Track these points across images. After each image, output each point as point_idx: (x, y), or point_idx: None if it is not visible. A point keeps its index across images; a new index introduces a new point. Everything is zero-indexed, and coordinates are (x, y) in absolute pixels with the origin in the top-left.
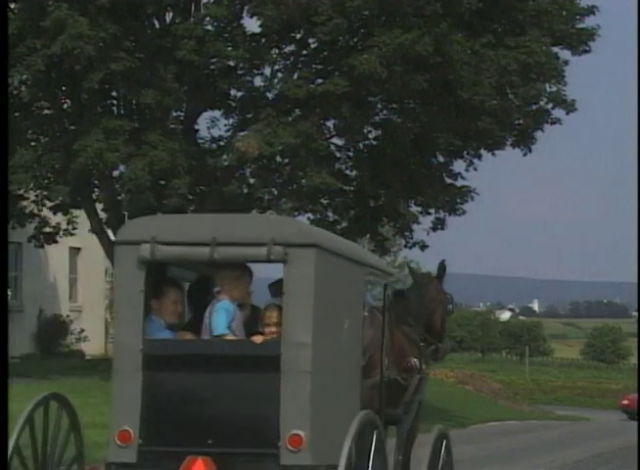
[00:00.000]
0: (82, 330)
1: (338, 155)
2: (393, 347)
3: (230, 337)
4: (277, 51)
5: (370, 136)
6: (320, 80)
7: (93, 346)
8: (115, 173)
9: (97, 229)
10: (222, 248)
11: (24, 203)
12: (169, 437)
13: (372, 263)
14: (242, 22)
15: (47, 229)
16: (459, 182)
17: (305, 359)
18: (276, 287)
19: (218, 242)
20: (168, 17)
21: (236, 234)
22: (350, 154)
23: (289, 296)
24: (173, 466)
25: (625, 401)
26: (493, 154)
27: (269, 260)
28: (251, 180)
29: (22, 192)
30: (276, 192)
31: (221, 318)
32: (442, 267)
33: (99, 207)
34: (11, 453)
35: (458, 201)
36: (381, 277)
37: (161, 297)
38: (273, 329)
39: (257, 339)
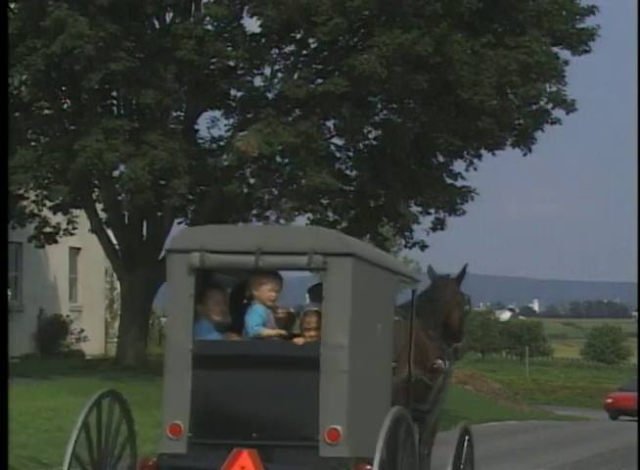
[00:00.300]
0: (82, 330)
1: (338, 155)
2: (418, 348)
3: (266, 331)
4: (277, 51)
5: (370, 136)
6: (320, 80)
7: (93, 346)
8: (116, 173)
9: (97, 229)
10: (266, 256)
11: (24, 203)
12: (217, 430)
13: (401, 271)
14: (242, 21)
15: (47, 229)
16: (459, 182)
17: (343, 360)
18: (315, 291)
19: (263, 251)
20: (168, 17)
21: (279, 244)
22: (350, 154)
23: (327, 301)
24: (220, 457)
25: (609, 400)
26: (493, 154)
27: (309, 268)
28: (252, 180)
29: (22, 192)
30: (276, 192)
31: (256, 321)
32: (464, 270)
33: (99, 207)
34: (69, 459)
35: (458, 201)
36: (409, 284)
37: (208, 300)
38: (312, 333)
39: (299, 341)
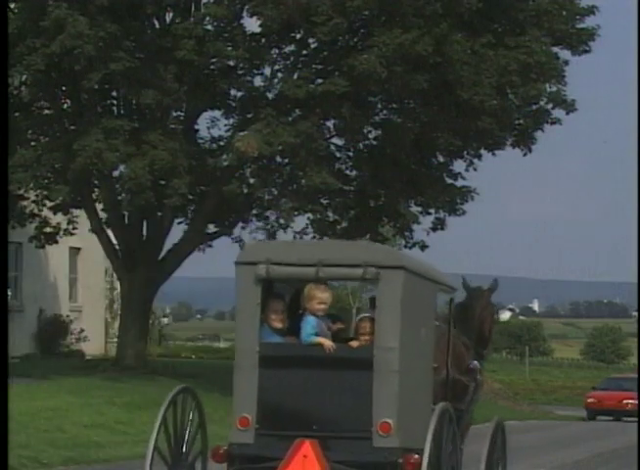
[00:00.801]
0: (82, 330)
1: (338, 155)
2: (455, 351)
3: (318, 340)
4: (277, 51)
5: (370, 136)
6: (320, 80)
7: (93, 346)
8: (116, 173)
9: (97, 229)
10: (326, 268)
11: (25, 203)
12: (281, 422)
13: (442, 281)
14: (242, 21)
15: (47, 229)
16: (459, 182)
17: (393, 361)
18: (374, 301)
19: (322, 263)
20: (168, 17)
21: (336, 257)
22: (350, 154)
23: (380, 309)
24: (284, 447)
25: (591, 400)
26: (493, 154)
27: (364, 279)
28: (251, 180)
29: (22, 192)
30: (276, 192)
31: (309, 331)
32: (496, 283)
33: (99, 207)
34: (151, 452)
35: (458, 201)
36: (448, 292)
37: (269, 309)
38: (366, 337)
39: (354, 344)
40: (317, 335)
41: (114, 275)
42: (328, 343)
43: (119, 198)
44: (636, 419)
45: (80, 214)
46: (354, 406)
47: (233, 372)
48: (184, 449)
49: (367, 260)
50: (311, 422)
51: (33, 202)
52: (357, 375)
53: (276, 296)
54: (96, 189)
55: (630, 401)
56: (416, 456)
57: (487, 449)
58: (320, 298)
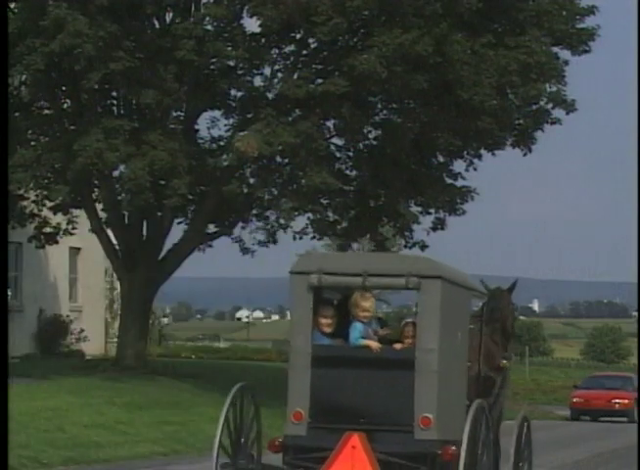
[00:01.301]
0: (82, 330)
1: (338, 155)
2: (486, 350)
3: (365, 342)
4: (277, 51)
5: (370, 136)
6: (320, 80)
7: (93, 346)
8: (116, 173)
9: (97, 229)
10: (371, 278)
11: (24, 203)
12: (331, 417)
13: (475, 287)
14: (241, 21)
15: (47, 229)
16: (459, 182)
17: (433, 361)
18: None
19: (368, 273)
20: (168, 17)
21: (381, 267)
22: (350, 154)
23: (421, 315)
24: (334, 439)
25: (577, 399)
26: (493, 154)
27: (406, 288)
28: (251, 180)
29: (22, 192)
30: (276, 192)
31: (356, 335)
32: (515, 283)
33: (99, 207)
34: (218, 445)
35: (458, 201)
36: (480, 297)
37: (320, 315)
38: (409, 340)
39: (398, 346)
40: (364, 338)
41: (114, 275)
42: (375, 344)
43: (119, 198)
44: (624, 419)
45: (80, 214)
46: (398, 402)
47: (288, 372)
48: (242, 441)
49: (409, 271)
50: (359, 416)
51: (33, 202)
52: (400, 374)
53: (326, 302)
54: (96, 189)
55: (619, 401)
56: (453, 448)
57: (515, 444)
58: (364, 306)
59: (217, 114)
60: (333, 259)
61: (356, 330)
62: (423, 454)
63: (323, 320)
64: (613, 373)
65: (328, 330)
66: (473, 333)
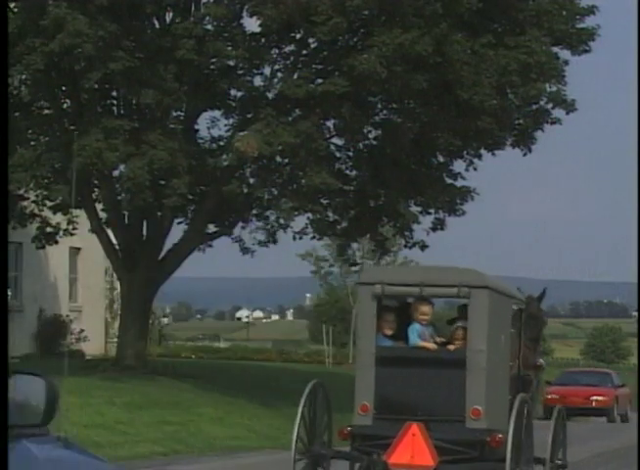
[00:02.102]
0: (82, 330)
1: (338, 155)
2: (524, 352)
3: (422, 343)
4: (277, 51)
5: (370, 136)
6: (320, 80)
7: (93, 346)
8: (116, 173)
9: (97, 229)
10: (427, 288)
11: (25, 203)
12: (393, 409)
13: (515, 296)
14: (241, 21)
15: (47, 229)
16: (459, 182)
17: (482, 361)
18: (461, 310)
19: (425, 284)
20: (168, 16)
21: (436, 279)
22: (350, 154)
23: (471, 320)
24: (396, 428)
25: (552, 396)
26: (493, 154)
27: (458, 297)
28: (251, 180)
29: (22, 192)
30: (276, 192)
31: (414, 336)
32: (544, 292)
33: (99, 207)
34: (297, 436)
35: (458, 201)
36: (519, 304)
37: (383, 320)
38: (460, 342)
39: (451, 347)
40: (420, 339)
41: (114, 275)
42: (431, 345)
43: (119, 198)
44: (603, 419)
45: (80, 214)
46: (451, 396)
47: (355, 370)
48: (317, 430)
49: (460, 282)
50: (417, 409)
51: (33, 202)
52: (453, 372)
53: (387, 309)
54: (96, 189)
55: (596, 398)
56: (500, 436)
57: (553, 433)
58: (423, 311)
59: (217, 114)
60: (393, 272)
61: (415, 331)
62: (473, 441)
63: (385, 324)
64: (589, 369)
65: (389, 333)
66: (513, 336)
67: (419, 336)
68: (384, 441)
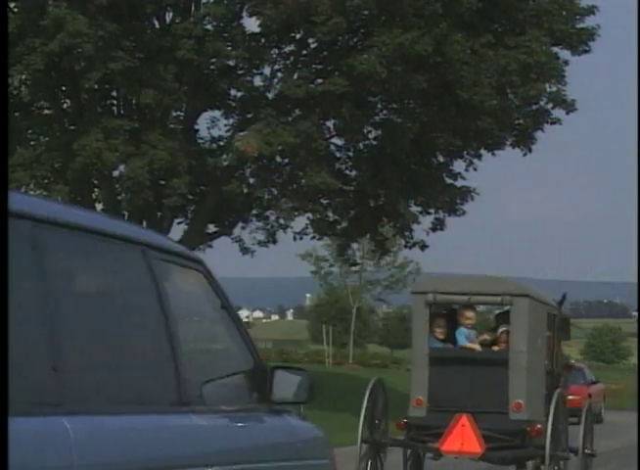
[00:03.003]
0: None
1: (338, 155)
2: (556, 352)
3: (468, 345)
4: (277, 51)
5: (370, 136)
6: (320, 80)
7: None
8: (115, 173)
9: None
10: (474, 296)
11: None
12: (445, 402)
13: (550, 302)
14: (241, 21)
15: None
16: (459, 182)
17: (523, 360)
18: (500, 316)
19: (472, 293)
20: (168, 16)
21: (482, 288)
22: (350, 154)
23: (513, 324)
24: (447, 419)
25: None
26: (493, 154)
27: (501, 304)
28: (251, 180)
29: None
30: (276, 192)
31: (461, 338)
32: (564, 297)
33: (99, 207)
34: (362, 426)
35: (458, 201)
36: (552, 310)
37: (435, 323)
38: (503, 344)
39: (495, 348)
40: (467, 340)
41: None
42: (476, 347)
43: (119, 198)
44: (578, 419)
45: None
46: (496, 391)
47: (411, 369)
48: (377, 421)
49: (503, 291)
50: (466, 402)
51: None
52: (498, 370)
53: (438, 315)
54: (96, 189)
55: (570, 397)
56: (538, 426)
57: (584, 425)
58: (468, 316)
59: (217, 114)
60: (443, 282)
61: (462, 334)
62: (516, 431)
63: (437, 329)
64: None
65: (440, 336)
66: (547, 338)
67: (466, 338)
68: (436, 430)
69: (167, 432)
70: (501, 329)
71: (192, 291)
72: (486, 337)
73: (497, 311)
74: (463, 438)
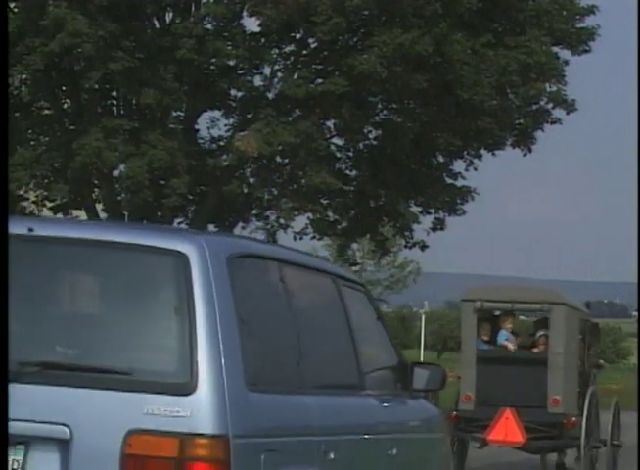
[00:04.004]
0: None
1: (338, 155)
2: (588, 353)
3: (508, 345)
4: (277, 51)
5: (370, 136)
6: (320, 80)
7: None
8: (115, 173)
9: None
10: (517, 304)
11: (25, 203)
12: (490, 398)
13: (582, 310)
14: (241, 21)
15: None
16: (459, 182)
17: (560, 361)
18: (540, 322)
19: (515, 301)
20: (168, 16)
21: (524, 297)
22: (350, 154)
23: (552, 329)
24: (493, 413)
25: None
26: (493, 154)
27: (541, 311)
28: (251, 180)
29: (22, 192)
30: (276, 192)
31: (501, 339)
32: (588, 305)
33: (99, 207)
34: None
35: (458, 201)
36: (586, 316)
37: (481, 327)
38: (542, 346)
39: (535, 350)
40: (506, 341)
41: None
42: (511, 345)
43: (119, 198)
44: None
45: (80, 215)
46: (536, 388)
47: (461, 368)
48: None
49: (543, 299)
50: (509, 397)
51: (34, 202)
52: (537, 369)
53: (484, 320)
54: (96, 189)
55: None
56: (573, 418)
57: (612, 419)
58: (508, 321)
59: (217, 114)
60: (489, 291)
61: (502, 336)
62: (553, 423)
63: (483, 332)
64: None
65: (486, 339)
66: (580, 342)
67: (505, 339)
68: (483, 422)
69: (356, 407)
70: (540, 333)
71: (360, 306)
72: (524, 340)
73: (535, 319)
74: (507, 429)
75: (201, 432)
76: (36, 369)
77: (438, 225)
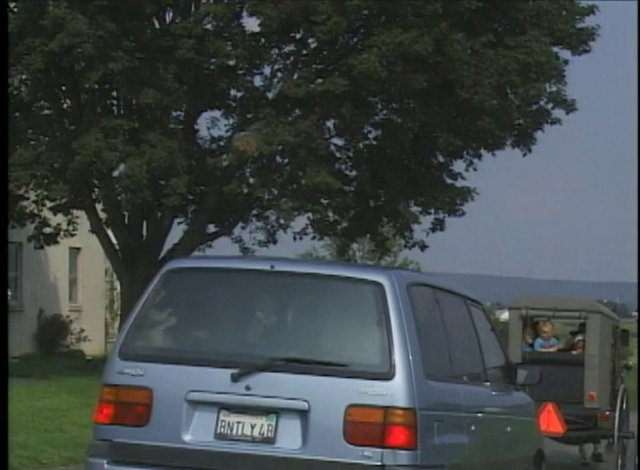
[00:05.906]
0: (82, 330)
1: (338, 155)
2: (617, 355)
3: (541, 349)
4: (277, 51)
5: (370, 136)
6: (320, 80)
7: (93, 346)
8: (115, 173)
9: (97, 229)
10: (557, 312)
11: (24, 203)
12: (534, 394)
13: (614, 317)
14: (241, 21)
15: (47, 230)
16: (459, 182)
17: (595, 362)
18: (580, 328)
19: (556, 309)
20: (168, 16)
21: (564, 305)
22: (350, 154)
23: (588, 334)
24: (536, 407)
25: None
26: (493, 154)
27: (579, 319)
28: (251, 180)
29: (21, 192)
30: (276, 192)
31: (538, 345)
32: (615, 309)
33: (99, 207)
34: None
35: (458, 201)
36: (617, 323)
37: (525, 332)
38: (580, 349)
39: (574, 352)
40: (541, 347)
41: (114, 275)
42: (552, 350)
43: (119, 198)
44: None
45: (80, 215)
46: (574, 385)
47: None
48: None
49: (580, 308)
50: (550, 393)
51: (34, 202)
52: (575, 369)
53: (528, 325)
54: (96, 189)
55: None
56: (607, 413)
57: (618, 412)
58: (545, 330)
59: (217, 114)
60: (533, 300)
61: (538, 343)
62: (589, 416)
63: (527, 336)
64: None
65: (529, 341)
66: (611, 345)
67: (540, 346)
68: None
69: (484, 394)
70: (578, 338)
71: (481, 319)
72: (565, 344)
73: (571, 329)
74: (548, 421)
75: (397, 405)
76: (283, 362)
77: (438, 225)
